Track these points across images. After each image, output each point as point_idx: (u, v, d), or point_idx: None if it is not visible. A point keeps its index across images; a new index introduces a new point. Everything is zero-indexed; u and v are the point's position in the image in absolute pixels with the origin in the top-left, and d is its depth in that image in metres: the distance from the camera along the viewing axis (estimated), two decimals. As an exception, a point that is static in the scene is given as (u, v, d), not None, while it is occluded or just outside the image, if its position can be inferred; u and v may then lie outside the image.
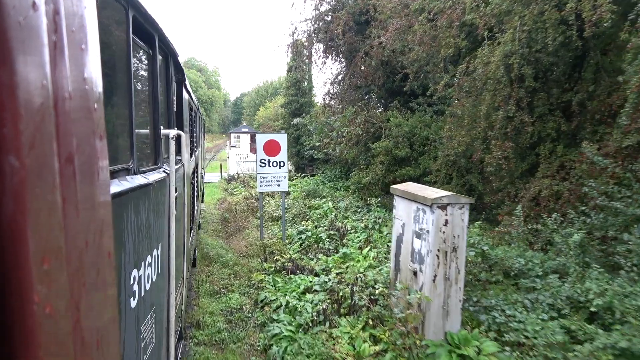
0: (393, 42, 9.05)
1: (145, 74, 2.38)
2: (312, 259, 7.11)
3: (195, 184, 6.82)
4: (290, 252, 7.51)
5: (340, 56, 12.29)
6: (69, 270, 0.53)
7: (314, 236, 8.02)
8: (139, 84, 2.19)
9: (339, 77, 13.18)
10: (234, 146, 22.71)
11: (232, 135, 44.63)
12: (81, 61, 0.60)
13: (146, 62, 2.41)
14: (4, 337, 0.45)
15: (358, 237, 8.03)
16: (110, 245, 0.67)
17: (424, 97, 11.71)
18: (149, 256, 1.99)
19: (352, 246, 7.67)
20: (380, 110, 11.92)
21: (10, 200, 0.44)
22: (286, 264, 6.67)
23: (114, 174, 1.62)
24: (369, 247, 7.35)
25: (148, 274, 1.97)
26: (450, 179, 9.10)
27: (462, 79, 7.61)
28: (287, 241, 8.37)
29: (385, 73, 11.41)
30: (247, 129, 44.25)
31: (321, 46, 12.29)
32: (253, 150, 42.06)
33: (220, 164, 21.34)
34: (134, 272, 1.71)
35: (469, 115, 7.69)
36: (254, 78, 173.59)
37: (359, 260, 6.83)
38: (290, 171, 21.32)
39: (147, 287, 1.93)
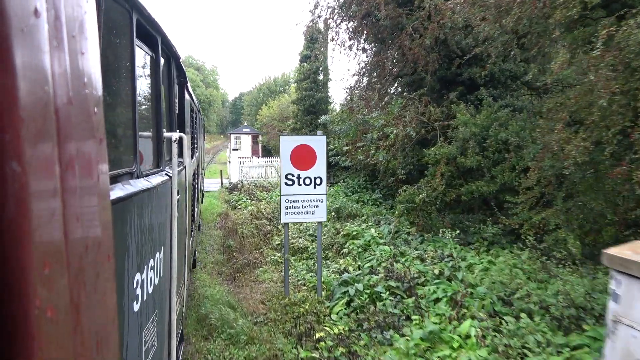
0: (469, 9, 6.20)
1: (148, 76, 2.49)
2: (375, 337, 4.24)
3: (196, 185, 7.05)
4: (334, 320, 4.63)
5: (379, 36, 9.45)
6: (70, 273, 0.55)
7: (369, 291, 5.15)
8: (142, 87, 2.30)
9: (366, 65, 10.30)
10: (236, 149, 19.86)
11: (232, 136, 42.01)
12: (81, 66, 0.65)
13: (149, 65, 2.49)
14: (6, 340, 0.47)
15: (434, 293, 5.22)
16: (110, 248, 0.69)
17: (487, 88, 8.95)
18: (152, 260, 2.05)
19: (433, 311, 4.77)
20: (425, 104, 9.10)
21: (12, 205, 0.47)
22: (337, 351, 3.78)
23: (117, 178, 1.71)
24: (466, 319, 4.43)
25: (151, 278, 2.02)
26: (548, 202, 7.03)
27: (604, 53, 4.74)
28: (323, 292, 5.51)
29: (440, 56, 8.60)
30: (248, 130, 41.52)
31: (351, 24, 9.45)
32: (255, 152, 39.50)
33: (221, 170, 18.55)
34: (137, 276, 1.77)
35: (600, 108, 4.85)
36: (253, 78, 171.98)
37: (458, 346, 3.93)
38: None
39: (150, 290, 2.00)
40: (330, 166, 17.35)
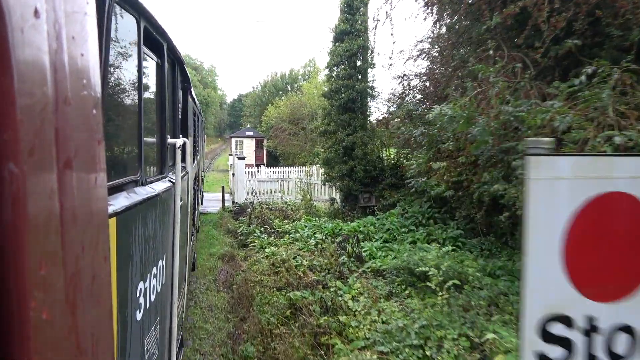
0: None
1: (153, 83, 2.51)
2: None
3: (197, 189, 7.00)
4: None
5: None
6: (66, 275, 0.56)
7: None
8: (147, 94, 2.32)
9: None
10: (243, 158, 15.30)
11: (233, 139, 37.47)
12: (81, 67, 0.65)
13: (155, 71, 2.52)
14: (1, 342, 0.47)
15: None
16: (106, 250, 0.69)
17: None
18: (155, 268, 2.06)
19: None
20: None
21: (9, 206, 0.47)
22: None
23: (122, 187, 1.73)
24: None
25: (153, 285, 2.02)
26: None
27: None
28: None
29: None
30: (251, 133, 36.97)
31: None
32: (259, 159, 35.03)
33: (223, 187, 13.98)
34: (140, 285, 1.78)
35: None
36: (253, 79, 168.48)
37: None
38: (333, 201, 13.70)
39: (152, 298, 2.01)
40: (365, 183, 12.77)
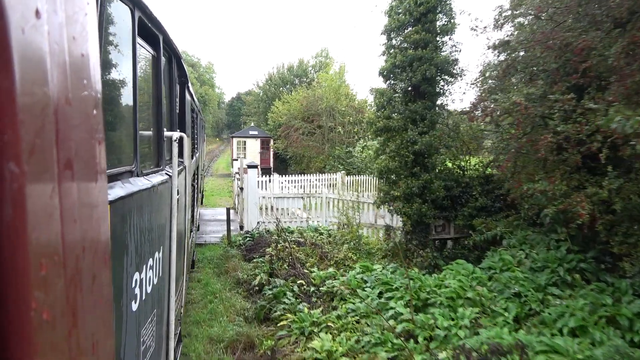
0: None
1: (149, 75, 2.51)
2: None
3: (196, 186, 6.96)
4: None
5: None
6: (66, 275, 0.55)
7: None
8: (143, 86, 2.32)
9: None
10: (254, 166, 11.02)
11: (235, 140, 33.55)
12: (81, 67, 0.64)
13: (150, 63, 2.51)
14: (1, 343, 0.47)
15: None
16: (107, 250, 0.69)
17: None
18: (151, 259, 2.06)
19: None
20: None
21: (9, 206, 0.47)
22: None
23: (117, 177, 1.74)
24: None
25: (150, 277, 2.03)
26: None
27: None
28: None
29: None
30: (256, 132, 33.05)
31: None
32: (265, 162, 31.26)
33: (228, 209, 9.76)
34: (136, 275, 1.79)
35: None
36: (252, 78, 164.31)
37: None
38: (390, 230, 9.39)
39: (149, 290, 2.01)
40: (442, 207, 8.57)
